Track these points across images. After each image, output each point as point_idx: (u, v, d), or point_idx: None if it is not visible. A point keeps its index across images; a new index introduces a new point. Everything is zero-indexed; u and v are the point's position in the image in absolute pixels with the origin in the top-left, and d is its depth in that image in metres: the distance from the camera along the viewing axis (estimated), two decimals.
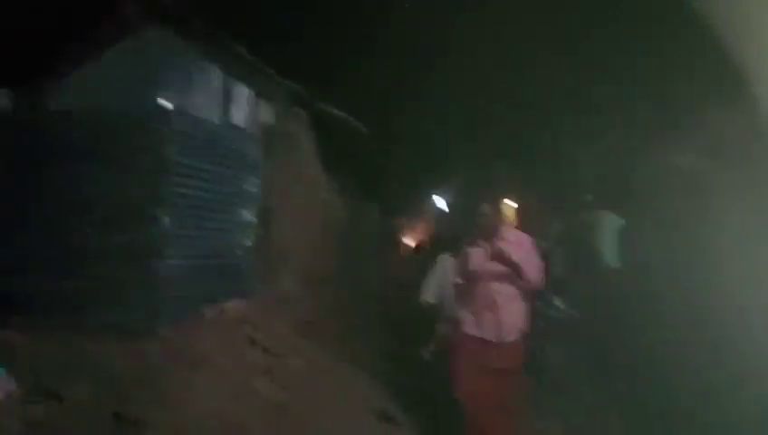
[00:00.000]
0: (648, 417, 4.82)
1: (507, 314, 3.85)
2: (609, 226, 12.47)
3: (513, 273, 3.76)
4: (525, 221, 16.29)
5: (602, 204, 13.08)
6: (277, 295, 5.25)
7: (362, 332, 6.07)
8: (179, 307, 4.26)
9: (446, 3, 5.65)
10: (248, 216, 5.35)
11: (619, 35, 5.93)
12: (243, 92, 6.15)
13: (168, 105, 4.53)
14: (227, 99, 5.89)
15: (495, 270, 3.80)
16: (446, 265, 5.26)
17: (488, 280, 3.84)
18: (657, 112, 7.58)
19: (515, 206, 15.91)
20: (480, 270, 3.87)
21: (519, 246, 3.84)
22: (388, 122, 8.24)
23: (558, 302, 5.82)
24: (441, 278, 5.24)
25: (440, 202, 17.27)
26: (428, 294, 5.26)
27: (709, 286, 7.14)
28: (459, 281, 4.15)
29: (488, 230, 3.91)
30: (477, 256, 3.92)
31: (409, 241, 15.58)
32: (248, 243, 5.28)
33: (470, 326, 3.89)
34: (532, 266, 3.80)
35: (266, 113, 6.45)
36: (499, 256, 3.76)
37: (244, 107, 6.14)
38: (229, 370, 4.00)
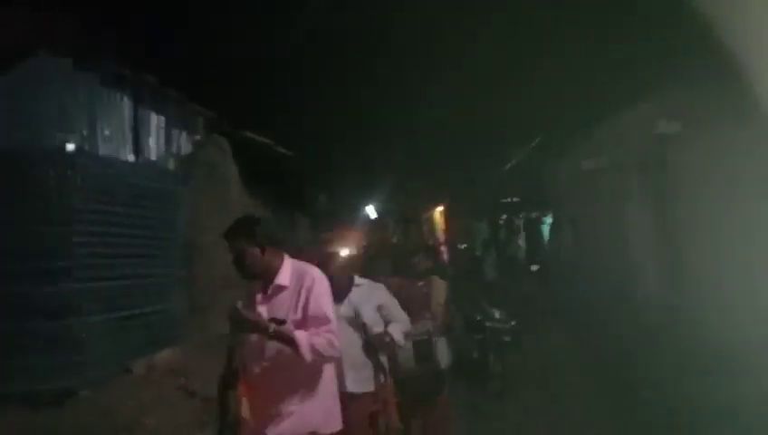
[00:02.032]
0: (589, 415, 4.96)
1: None
2: (534, 227, 12.99)
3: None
4: (453, 227, 16.70)
5: (526, 206, 13.64)
6: (210, 337, 4.92)
7: None
8: (102, 366, 3.89)
9: (358, 19, 5.54)
10: (171, 256, 5.01)
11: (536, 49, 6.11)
12: (156, 123, 5.79)
13: (70, 145, 4.13)
14: (139, 132, 5.51)
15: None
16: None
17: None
18: (573, 122, 7.94)
19: (442, 211, 16.15)
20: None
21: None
22: (314, 142, 8.06)
23: (497, 313, 5.87)
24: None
25: (371, 211, 17.34)
26: None
27: (632, 280, 7.56)
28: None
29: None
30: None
31: (344, 252, 15.41)
32: (173, 285, 4.93)
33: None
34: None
35: (184, 144, 6.10)
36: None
37: (158, 139, 5.78)
38: (165, 430, 3.68)
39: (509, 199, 14.87)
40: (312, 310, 2.33)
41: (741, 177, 5.30)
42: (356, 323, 2.98)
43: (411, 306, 3.52)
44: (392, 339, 3.04)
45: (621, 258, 7.77)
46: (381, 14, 5.31)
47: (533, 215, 13.00)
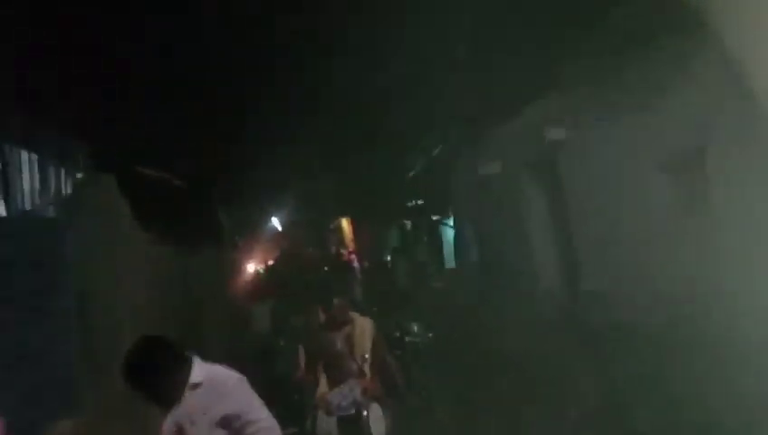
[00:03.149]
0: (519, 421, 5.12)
1: None
2: (438, 230, 13.30)
3: None
4: (360, 236, 16.74)
5: (430, 209, 13.92)
6: (112, 401, 4.49)
7: None
8: None
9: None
10: (58, 312, 4.51)
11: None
12: (28, 162, 5.22)
13: None
14: (8, 174, 4.94)
15: None
16: None
17: None
18: (468, 129, 8.23)
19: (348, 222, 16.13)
20: None
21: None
22: (209, 170, 7.70)
23: (414, 326, 5.93)
24: None
25: (276, 223, 16.99)
26: None
27: (533, 277, 7.95)
28: None
29: None
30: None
31: (255, 265, 15.10)
32: (68, 346, 4.45)
33: None
34: None
35: (63, 184, 5.56)
36: None
37: (32, 181, 5.21)
38: None
39: (414, 203, 15.11)
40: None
41: (623, 170, 5.77)
42: None
43: (329, 369, 3.15)
44: None
45: (522, 257, 8.16)
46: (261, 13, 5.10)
47: (437, 218, 13.30)
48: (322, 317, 4.51)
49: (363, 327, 3.53)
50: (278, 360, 6.41)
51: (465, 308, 8.10)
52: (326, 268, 11.98)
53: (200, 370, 2.26)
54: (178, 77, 5.54)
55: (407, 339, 5.98)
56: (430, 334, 6.01)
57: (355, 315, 3.70)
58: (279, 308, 7.83)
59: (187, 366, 2.26)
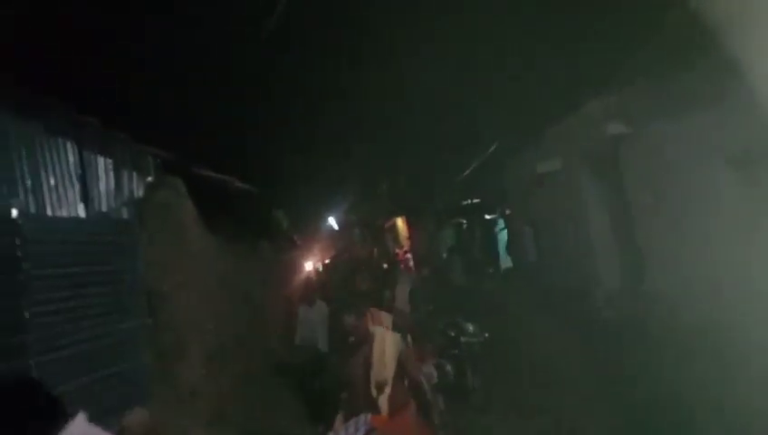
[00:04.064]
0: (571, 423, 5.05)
1: None
2: (497, 230, 13.13)
3: None
4: (415, 235, 16.69)
5: (487, 208, 13.78)
6: (179, 391, 4.77)
7: (282, 405, 5.73)
8: None
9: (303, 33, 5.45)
10: (133, 309, 4.83)
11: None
12: (104, 167, 5.57)
13: (14, 211, 3.93)
14: (86, 177, 5.29)
15: None
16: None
17: None
18: (527, 126, 8.10)
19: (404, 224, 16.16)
20: None
21: None
22: (270, 168, 7.95)
23: (470, 327, 5.92)
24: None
25: (333, 222, 17.28)
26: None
27: (593, 278, 7.74)
28: None
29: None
30: None
31: (309, 267, 15.41)
32: (139, 339, 4.76)
33: None
34: None
35: (135, 187, 5.90)
36: None
37: (107, 184, 5.56)
38: None
39: (469, 201, 15.01)
40: None
41: (686, 167, 5.54)
42: None
43: (348, 397, 2.58)
44: None
45: (581, 257, 7.96)
46: (328, 26, 5.23)
47: (494, 217, 13.15)
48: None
49: (383, 345, 2.83)
50: (324, 373, 5.99)
51: (520, 308, 8.00)
52: (384, 267, 12.07)
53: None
54: (243, 88, 5.77)
55: (462, 339, 5.97)
56: (486, 334, 5.97)
57: (378, 330, 3.03)
58: (333, 311, 7.71)
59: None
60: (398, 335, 3.14)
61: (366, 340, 2.98)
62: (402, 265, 13.09)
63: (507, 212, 11.48)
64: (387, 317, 4.03)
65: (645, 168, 6.33)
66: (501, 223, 12.63)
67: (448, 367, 6.04)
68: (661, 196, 6.07)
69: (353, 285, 8.19)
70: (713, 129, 5.04)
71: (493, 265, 12.43)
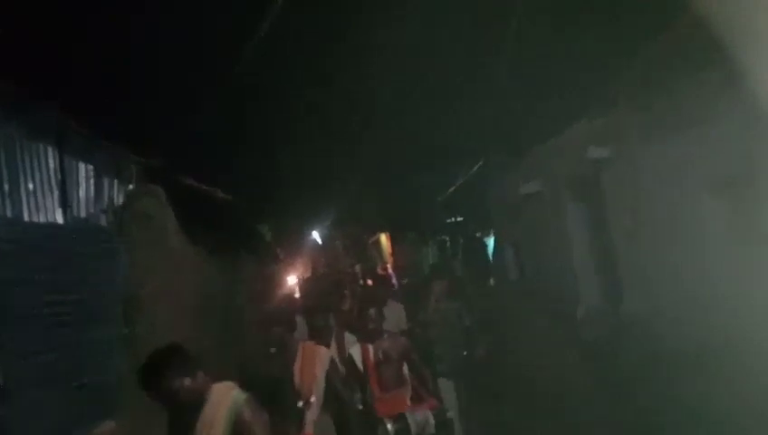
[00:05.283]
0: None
1: None
2: (478, 247, 13.18)
3: None
4: (399, 251, 16.64)
5: (471, 225, 13.84)
6: (153, 404, 4.64)
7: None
8: None
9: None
10: (109, 318, 4.73)
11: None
12: (84, 173, 5.48)
13: None
14: (66, 183, 5.20)
15: None
16: None
17: None
18: (510, 147, 8.21)
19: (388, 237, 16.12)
20: None
21: None
22: (254, 181, 7.91)
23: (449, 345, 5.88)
24: None
25: (317, 237, 17.20)
26: None
27: (578, 300, 7.81)
28: None
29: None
30: None
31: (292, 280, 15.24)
32: (114, 349, 4.65)
33: None
34: None
35: (116, 194, 5.82)
36: None
37: (87, 190, 5.47)
38: None
39: (453, 219, 15.08)
40: None
41: (667, 190, 5.62)
42: None
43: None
44: None
45: (561, 277, 8.02)
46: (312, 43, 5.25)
47: (477, 235, 13.21)
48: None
49: (312, 359, 3.15)
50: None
51: (501, 327, 8.00)
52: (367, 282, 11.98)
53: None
54: (230, 99, 5.75)
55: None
56: (464, 353, 5.94)
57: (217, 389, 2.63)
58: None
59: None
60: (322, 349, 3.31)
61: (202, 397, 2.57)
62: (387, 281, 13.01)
63: (491, 231, 11.55)
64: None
65: (626, 191, 6.42)
66: (483, 242, 12.70)
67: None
68: (641, 220, 6.15)
69: (334, 303, 8.11)
70: (694, 153, 5.13)
71: (474, 282, 12.44)
